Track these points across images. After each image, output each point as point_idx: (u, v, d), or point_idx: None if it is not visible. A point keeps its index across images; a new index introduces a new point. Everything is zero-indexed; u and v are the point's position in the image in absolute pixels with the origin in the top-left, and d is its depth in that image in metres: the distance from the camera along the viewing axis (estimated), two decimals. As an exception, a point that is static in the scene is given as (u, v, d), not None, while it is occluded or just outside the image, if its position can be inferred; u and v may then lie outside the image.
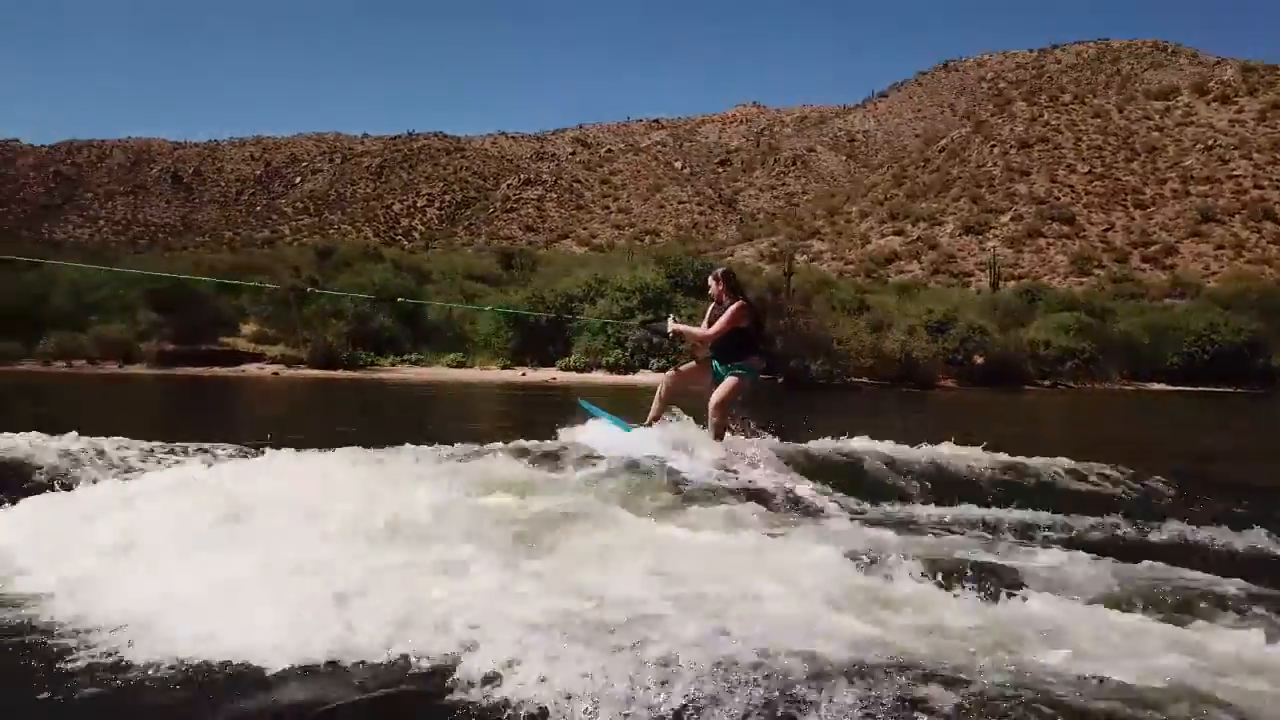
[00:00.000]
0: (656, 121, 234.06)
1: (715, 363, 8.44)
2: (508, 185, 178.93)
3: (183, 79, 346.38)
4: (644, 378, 29.09)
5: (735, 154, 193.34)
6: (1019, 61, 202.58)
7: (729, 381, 8.26)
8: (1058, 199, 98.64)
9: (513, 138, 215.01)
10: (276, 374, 29.83)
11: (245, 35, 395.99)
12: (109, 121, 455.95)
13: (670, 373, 9.00)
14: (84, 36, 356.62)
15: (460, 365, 33.40)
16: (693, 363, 8.94)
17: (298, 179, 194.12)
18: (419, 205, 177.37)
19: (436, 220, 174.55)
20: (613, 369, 32.26)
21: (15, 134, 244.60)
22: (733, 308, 8.23)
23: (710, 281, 8.63)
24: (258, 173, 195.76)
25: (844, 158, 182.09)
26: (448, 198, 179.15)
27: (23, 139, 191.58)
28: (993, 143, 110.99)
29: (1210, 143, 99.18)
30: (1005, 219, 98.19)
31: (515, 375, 31.41)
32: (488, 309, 33.20)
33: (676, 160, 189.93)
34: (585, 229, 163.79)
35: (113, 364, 30.70)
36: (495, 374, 31.97)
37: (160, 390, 24.11)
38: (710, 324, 8.44)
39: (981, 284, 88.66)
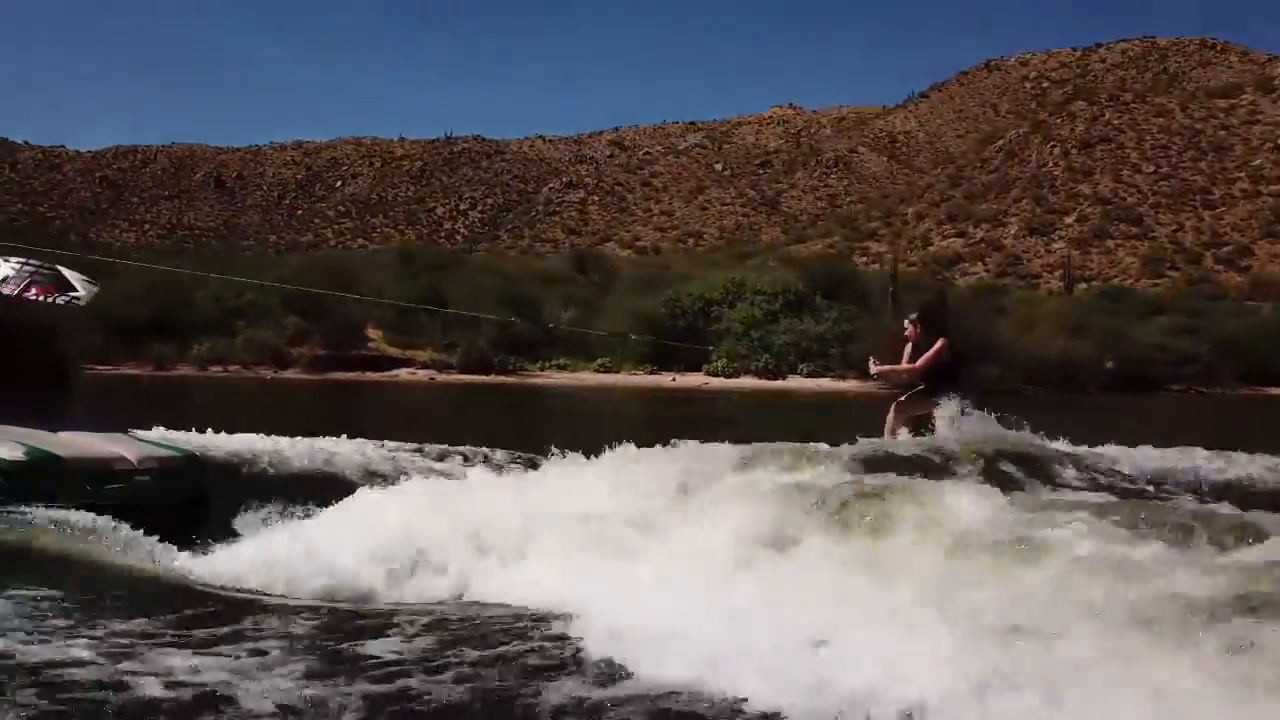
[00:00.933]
0: (693, 124, 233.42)
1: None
2: (549, 188, 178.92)
3: (222, 85, 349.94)
4: (794, 383, 28.65)
5: (775, 155, 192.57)
6: (1062, 61, 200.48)
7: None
8: (1123, 199, 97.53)
9: (549, 141, 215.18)
10: (433, 379, 29.66)
11: (279, 41, 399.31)
12: (152, 127, 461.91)
13: (893, 406, 9.58)
14: (126, 44, 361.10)
15: (606, 370, 33.13)
16: (911, 393, 9.55)
17: (338, 183, 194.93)
18: (461, 209, 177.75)
19: (479, 223, 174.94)
20: (762, 374, 31.89)
21: (62, 141, 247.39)
22: (937, 345, 9.17)
23: (907, 325, 9.55)
24: (299, 177, 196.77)
25: (886, 159, 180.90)
26: (489, 201, 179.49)
27: (69, 145, 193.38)
28: (1052, 143, 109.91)
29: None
30: (1070, 220, 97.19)
31: (663, 380, 31.09)
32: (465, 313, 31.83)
33: (716, 162, 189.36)
34: (628, 231, 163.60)
35: (264, 368, 30.62)
36: (641, 379, 31.67)
37: (333, 394, 23.94)
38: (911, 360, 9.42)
39: (1050, 285, 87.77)
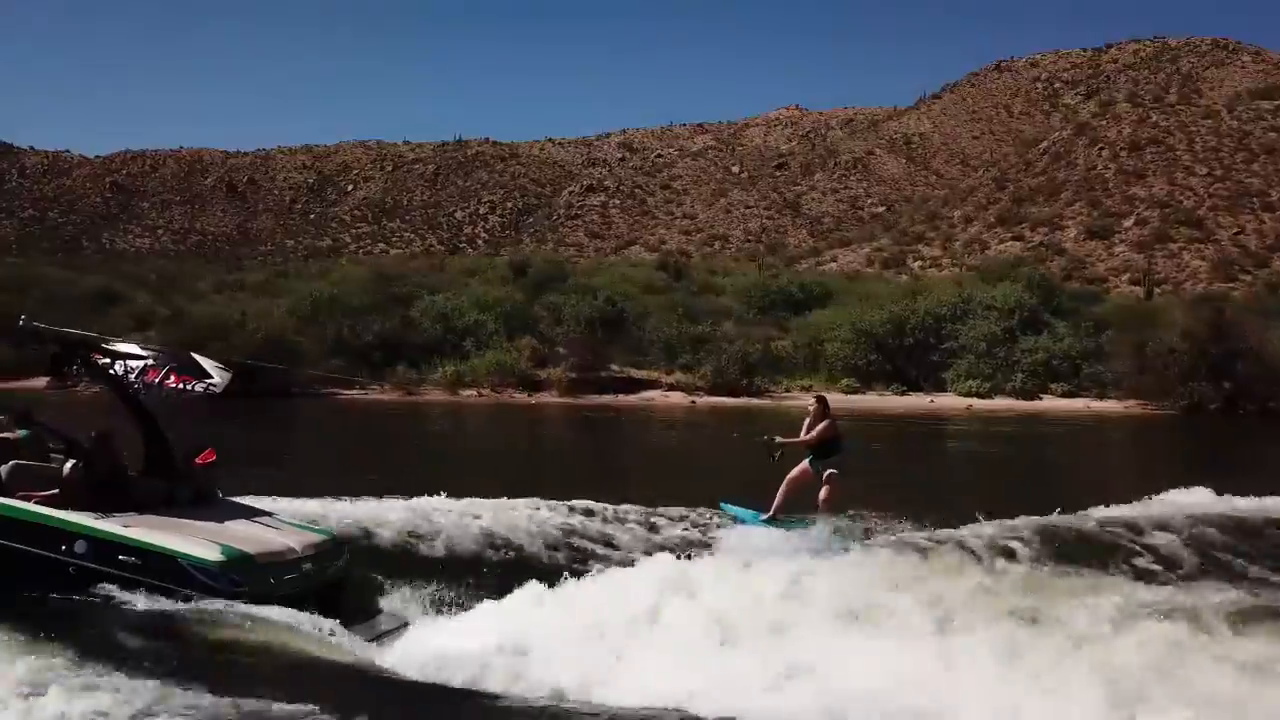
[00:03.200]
0: (700, 125, 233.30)
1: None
2: (569, 191, 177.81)
3: (231, 90, 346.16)
4: (1050, 404, 28.11)
5: (790, 157, 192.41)
6: (1073, 61, 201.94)
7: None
8: (1180, 202, 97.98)
9: (559, 143, 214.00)
10: (693, 403, 28.87)
11: (283, 42, 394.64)
12: (159, 132, 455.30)
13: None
14: (128, 47, 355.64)
15: (856, 391, 32.45)
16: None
17: (350, 187, 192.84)
18: (480, 213, 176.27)
19: (499, 227, 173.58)
20: (1018, 394, 31.29)
21: (67, 146, 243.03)
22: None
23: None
24: (309, 181, 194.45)
25: (904, 160, 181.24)
26: (509, 204, 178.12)
27: (74, 150, 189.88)
28: (1100, 145, 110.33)
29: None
30: (1128, 223, 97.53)
31: (914, 401, 30.43)
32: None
33: (733, 164, 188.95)
34: (652, 235, 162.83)
35: (511, 390, 29.66)
36: (892, 400, 30.99)
37: (608, 424, 23.02)
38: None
39: (1119, 289, 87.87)
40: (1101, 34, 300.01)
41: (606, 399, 29.03)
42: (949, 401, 31.31)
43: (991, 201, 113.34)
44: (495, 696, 6.61)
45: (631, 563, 9.35)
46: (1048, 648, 6.55)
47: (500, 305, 32.99)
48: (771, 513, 11.29)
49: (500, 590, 8.56)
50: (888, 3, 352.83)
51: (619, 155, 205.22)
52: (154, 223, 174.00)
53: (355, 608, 8.93)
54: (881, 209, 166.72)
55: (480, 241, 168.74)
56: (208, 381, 9.51)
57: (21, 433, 9.87)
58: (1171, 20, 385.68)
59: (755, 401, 29.98)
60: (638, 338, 35.70)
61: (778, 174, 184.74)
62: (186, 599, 7.98)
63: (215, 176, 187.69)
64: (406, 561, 9.98)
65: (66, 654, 6.55)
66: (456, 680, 7.00)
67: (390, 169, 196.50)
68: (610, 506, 11.79)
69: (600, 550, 10.61)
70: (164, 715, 5.49)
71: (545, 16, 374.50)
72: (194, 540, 8.40)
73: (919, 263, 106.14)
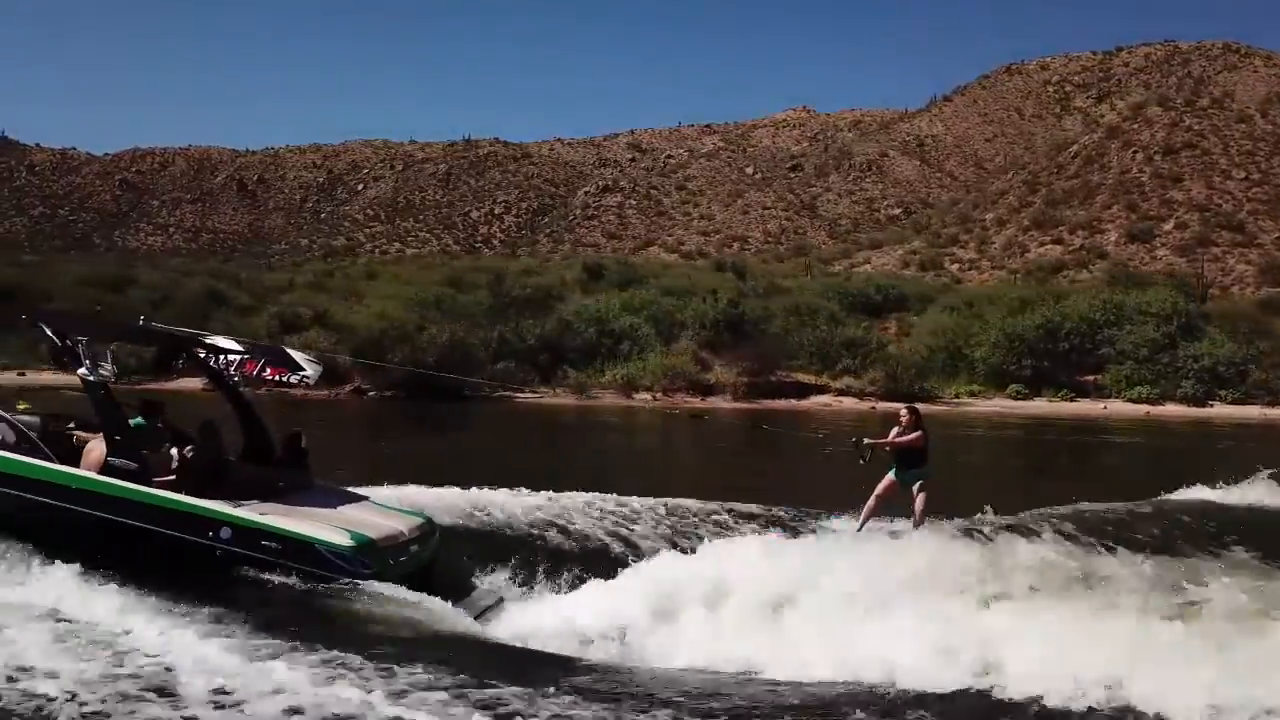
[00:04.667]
0: (709, 126, 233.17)
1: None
2: (585, 192, 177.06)
3: (235, 87, 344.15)
4: (1218, 410, 27.79)
5: (804, 159, 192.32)
6: (1084, 64, 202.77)
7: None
8: (1219, 205, 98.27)
9: (568, 144, 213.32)
10: (873, 408, 28.40)
11: (287, 44, 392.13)
12: (165, 129, 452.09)
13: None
14: (135, 44, 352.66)
15: (1022, 396, 32.01)
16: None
17: (360, 186, 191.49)
18: (496, 213, 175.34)
19: (515, 228, 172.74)
20: (1190, 400, 30.95)
21: (73, 143, 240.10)
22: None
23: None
24: (320, 180, 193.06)
25: (918, 162, 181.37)
26: (524, 205, 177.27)
27: (80, 148, 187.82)
28: (1133, 148, 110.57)
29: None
30: (1168, 227, 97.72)
31: (1091, 407, 30.04)
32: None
33: (747, 166, 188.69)
34: (670, 235, 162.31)
35: (680, 394, 29.13)
36: (1062, 406, 30.57)
37: (810, 429, 22.44)
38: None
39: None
40: (1111, 37, 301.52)
41: (781, 404, 28.53)
42: (1121, 408, 30.94)
43: (1024, 204, 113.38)
44: (611, 668, 7.32)
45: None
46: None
47: (647, 308, 32.53)
48: (859, 527, 11.52)
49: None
50: (896, 6, 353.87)
51: (629, 156, 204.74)
52: (165, 221, 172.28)
53: (450, 584, 9.63)
54: (898, 211, 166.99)
55: (496, 242, 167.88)
56: (301, 374, 10.05)
57: (138, 422, 10.45)
58: (1181, 23, 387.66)
59: (932, 408, 29.43)
60: (777, 339, 35.13)
61: (791, 175, 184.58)
62: (324, 580, 8.84)
63: (225, 175, 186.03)
64: (529, 545, 10.63)
65: (244, 626, 7.59)
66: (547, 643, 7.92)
67: (400, 168, 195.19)
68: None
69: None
70: (344, 679, 6.35)
71: (550, 16, 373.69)
72: (325, 526, 9.29)
73: (956, 265, 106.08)
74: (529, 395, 30.16)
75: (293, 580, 8.81)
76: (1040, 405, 30.93)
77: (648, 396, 29.08)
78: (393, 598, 8.58)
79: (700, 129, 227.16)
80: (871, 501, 11.55)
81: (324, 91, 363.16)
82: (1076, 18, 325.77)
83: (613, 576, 9.14)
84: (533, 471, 14.04)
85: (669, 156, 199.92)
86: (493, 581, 9.99)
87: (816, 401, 29.81)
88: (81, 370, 9.61)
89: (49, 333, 9.95)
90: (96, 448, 9.69)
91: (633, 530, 11.20)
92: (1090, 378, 34.08)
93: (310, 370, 10.13)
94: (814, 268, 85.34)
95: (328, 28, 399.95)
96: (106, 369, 9.83)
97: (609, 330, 32.36)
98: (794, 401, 29.02)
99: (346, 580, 8.81)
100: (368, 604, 8.35)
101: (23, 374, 43.31)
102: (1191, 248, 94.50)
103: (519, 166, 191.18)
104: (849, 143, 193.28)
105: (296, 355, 10.45)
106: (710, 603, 8.38)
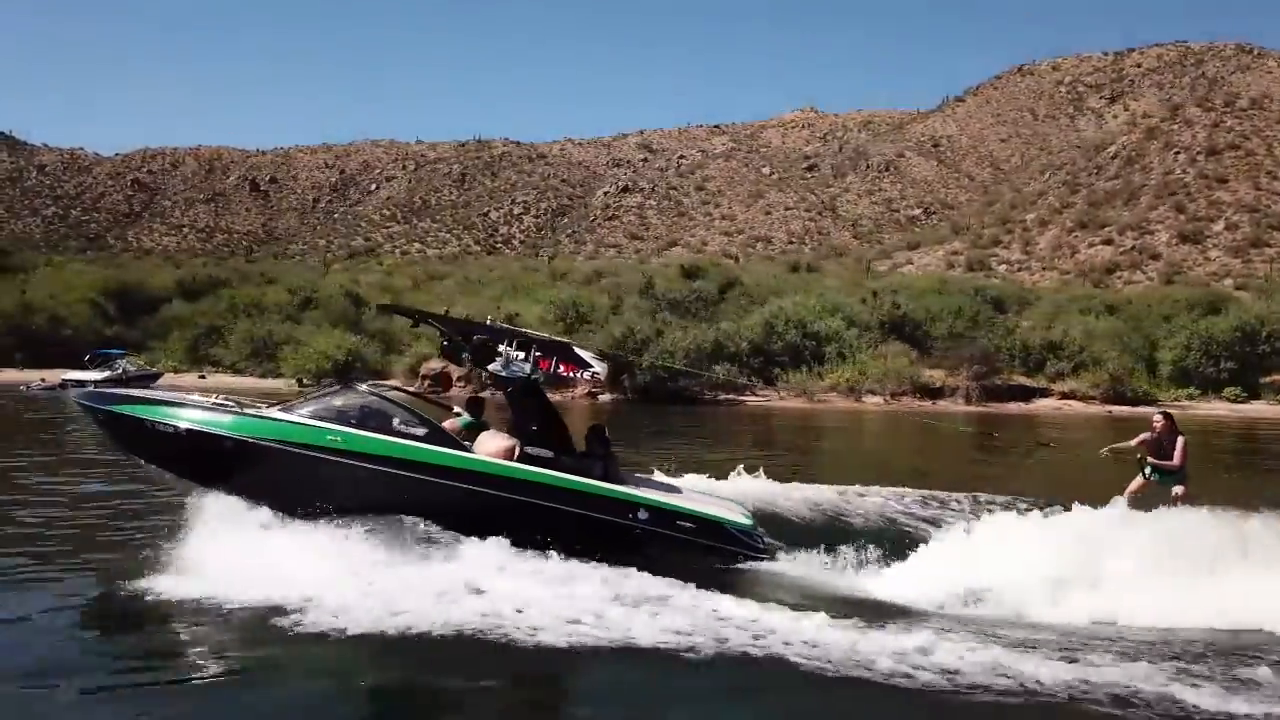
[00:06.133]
0: (717, 126, 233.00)
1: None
2: (604, 193, 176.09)
3: (244, 87, 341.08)
4: None
5: (819, 159, 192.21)
6: (1095, 65, 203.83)
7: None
8: (1268, 206, 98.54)
9: (579, 143, 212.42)
10: (1110, 412, 27.82)
11: (295, 44, 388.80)
12: (174, 129, 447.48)
13: None
14: (147, 45, 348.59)
15: (1241, 400, 31.47)
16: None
17: (374, 186, 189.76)
18: (515, 213, 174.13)
19: (534, 228, 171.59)
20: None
21: (81, 144, 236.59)
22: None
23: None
24: (332, 180, 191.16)
25: (935, 163, 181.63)
26: (542, 205, 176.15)
27: (88, 148, 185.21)
28: (1176, 149, 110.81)
29: None
30: (1219, 228, 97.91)
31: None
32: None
33: (763, 166, 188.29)
34: (693, 236, 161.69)
35: (904, 397, 28.41)
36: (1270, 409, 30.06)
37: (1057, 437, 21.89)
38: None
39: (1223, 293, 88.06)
40: (1121, 37, 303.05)
41: (1013, 408, 27.92)
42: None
43: (1065, 205, 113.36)
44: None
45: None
46: None
47: (841, 309, 31.90)
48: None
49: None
50: (901, 7, 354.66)
51: (641, 157, 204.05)
52: (178, 220, 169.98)
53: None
54: (918, 211, 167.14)
55: (516, 242, 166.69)
56: (591, 370, 10.57)
57: (462, 419, 11.17)
58: (1192, 24, 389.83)
59: (1144, 411, 28.87)
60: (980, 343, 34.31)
61: (808, 176, 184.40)
62: (730, 556, 9.72)
63: (237, 175, 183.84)
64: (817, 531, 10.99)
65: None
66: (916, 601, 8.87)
67: (413, 168, 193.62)
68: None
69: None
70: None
71: (557, 15, 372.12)
72: (726, 508, 10.31)
73: (1004, 266, 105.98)
74: (757, 399, 29.51)
75: (709, 560, 9.54)
76: (1255, 408, 30.49)
77: (879, 400, 28.41)
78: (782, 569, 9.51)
79: (709, 129, 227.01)
80: (1126, 497, 11.68)
81: (333, 89, 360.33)
82: (1093, 17, 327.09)
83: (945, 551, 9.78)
84: (820, 467, 16.11)
85: (681, 157, 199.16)
86: (806, 560, 10.28)
87: (1044, 405, 29.20)
88: (493, 366, 10.06)
89: (447, 333, 10.42)
90: (495, 439, 10.14)
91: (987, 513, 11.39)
92: (1271, 378, 34.04)
93: (598, 367, 10.59)
94: (869, 270, 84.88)
95: (328, 28, 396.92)
96: (524, 367, 10.22)
97: (812, 332, 31.68)
98: (1022, 405, 28.40)
99: (744, 557, 9.69)
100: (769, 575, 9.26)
101: (203, 376, 43.12)
102: (1244, 249, 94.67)
103: (534, 167, 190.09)
104: (864, 143, 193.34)
105: (583, 353, 10.85)
106: (1083, 563, 9.26)
